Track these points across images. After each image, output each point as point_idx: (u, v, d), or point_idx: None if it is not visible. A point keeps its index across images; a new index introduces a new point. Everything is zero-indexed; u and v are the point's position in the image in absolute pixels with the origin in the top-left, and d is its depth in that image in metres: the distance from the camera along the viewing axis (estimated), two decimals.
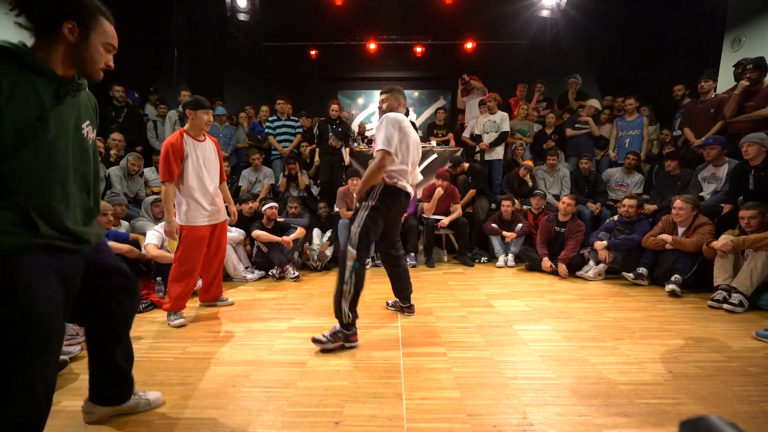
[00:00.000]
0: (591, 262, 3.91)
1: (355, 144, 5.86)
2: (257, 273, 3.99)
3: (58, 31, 1.11)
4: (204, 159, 2.73)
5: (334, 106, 5.75)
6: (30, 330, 1.07)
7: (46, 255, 1.12)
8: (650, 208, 4.06)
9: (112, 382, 1.52)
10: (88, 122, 1.30)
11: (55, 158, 1.15)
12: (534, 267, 4.14)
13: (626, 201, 3.87)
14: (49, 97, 1.12)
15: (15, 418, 1.08)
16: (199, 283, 3.10)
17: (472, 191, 4.97)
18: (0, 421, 1.04)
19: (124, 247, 3.10)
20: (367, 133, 6.49)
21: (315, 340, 2.21)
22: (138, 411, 1.59)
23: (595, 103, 5.57)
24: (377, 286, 3.61)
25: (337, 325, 2.24)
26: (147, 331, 2.54)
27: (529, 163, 5.25)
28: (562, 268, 3.83)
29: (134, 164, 4.42)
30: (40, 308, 1.08)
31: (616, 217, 4.06)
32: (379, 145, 2.31)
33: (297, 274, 3.90)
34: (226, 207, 2.98)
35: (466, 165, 5.05)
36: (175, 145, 2.59)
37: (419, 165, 5.56)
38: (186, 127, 2.70)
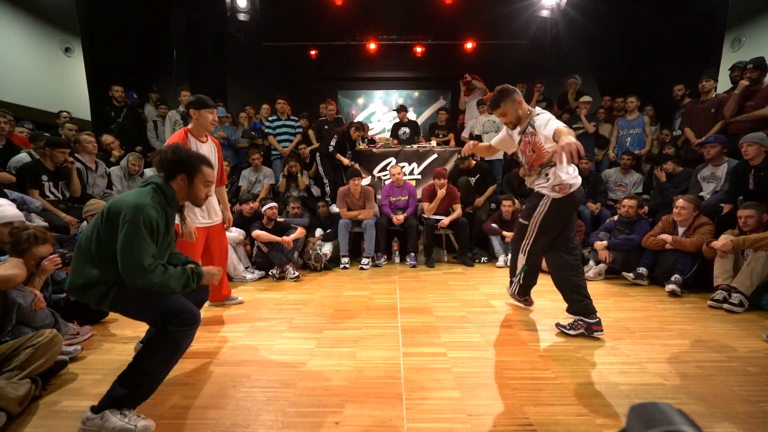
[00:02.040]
0: (591, 262, 3.91)
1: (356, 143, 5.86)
2: (257, 273, 3.99)
3: (176, 178, 1.71)
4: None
5: (331, 107, 5.78)
6: None
7: None
8: (645, 210, 4.10)
9: None
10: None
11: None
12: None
13: (626, 201, 3.87)
14: (173, 218, 1.78)
15: None
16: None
17: (493, 186, 5.07)
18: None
19: None
20: (369, 133, 6.50)
21: (559, 326, 2.46)
22: None
23: (585, 98, 5.56)
24: (377, 286, 3.61)
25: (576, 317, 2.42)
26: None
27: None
28: None
29: (135, 164, 4.43)
30: None
31: (616, 217, 4.06)
32: (555, 127, 2.12)
33: (297, 274, 3.89)
34: (222, 212, 2.97)
35: (473, 162, 5.05)
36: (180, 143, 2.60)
37: (419, 165, 5.62)
38: (190, 126, 2.69)
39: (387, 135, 7.08)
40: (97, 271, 1.54)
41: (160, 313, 1.55)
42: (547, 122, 2.20)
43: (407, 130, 6.16)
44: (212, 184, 1.85)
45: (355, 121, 5.48)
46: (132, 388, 1.48)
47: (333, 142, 5.02)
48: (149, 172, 4.84)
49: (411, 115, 9.32)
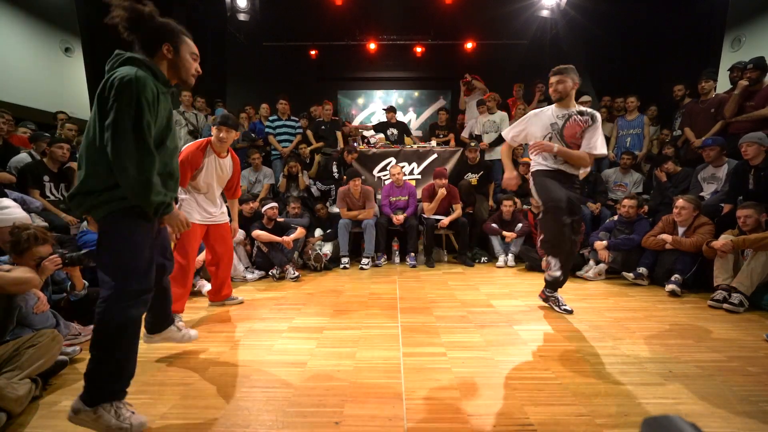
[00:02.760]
0: (591, 262, 3.91)
1: (356, 144, 5.87)
2: (257, 273, 3.99)
3: (160, 50, 1.48)
4: (217, 175, 2.76)
5: (327, 107, 5.80)
6: None
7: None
8: (645, 210, 4.10)
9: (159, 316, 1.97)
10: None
11: (172, 162, 1.59)
12: (534, 267, 4.13)
13: (626, 201, 3.87)
14: (167, 104, 1.51)
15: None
16: (208, 285, 3.15)
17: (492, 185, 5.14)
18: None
19: None
20: (366, 133, 6.50)
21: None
22: (176, 339, 2.07)
23: (585, 98, 5.56)
24: (377, 286, 3.61)
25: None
26: None
27: (527, 160, 5.24)
28: None
29: None
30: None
31: (616, 217, 4.06)
32: (602, 149, 2.53)
33: (297, 274, 3.90)
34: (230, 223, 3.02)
35: (477, 157, 5.06)
36: (195, 156, 2.60)
37: (419, 165, 5.61)
38: (212, 138, 2.74)
39: (373, 133, 7.04)
40: (95, 170, 1.36)
41: (127, 268, 1.43)
42: (599, 132, 2.52)
43: (395, 131, 6.09)
44: (198, 58, 1.64)
45: (347, 144, 5.60)
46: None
47: (335, 168, 5.15)
48: None
49: (411, 115, 9.35)
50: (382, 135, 5.99)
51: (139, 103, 1.32)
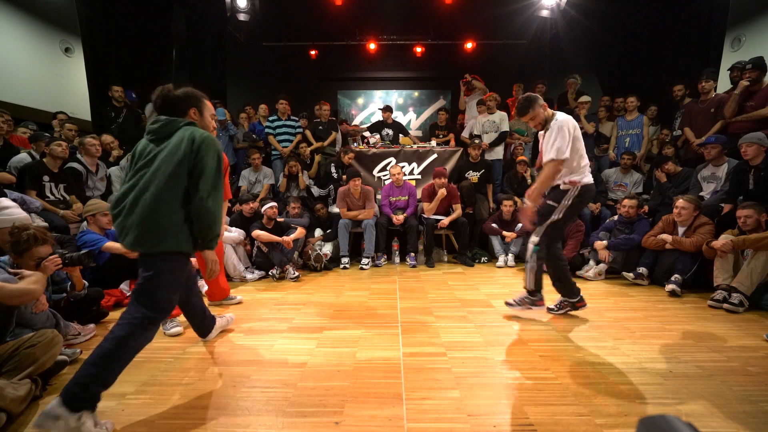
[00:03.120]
0: (591, 262, 3.91)
1: (355, 144, 5.87)
2: (257, 273, 3.99)
3: (188, 114, 1.79)
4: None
5: (325, 107, 5.80)
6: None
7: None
8: (645, 210, 4.10)
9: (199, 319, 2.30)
10: None
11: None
12: None
13: (626, 201, 3.87)
14: None
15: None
16: (206, 285, 3.14)
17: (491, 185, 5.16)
18: None
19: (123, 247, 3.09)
20: (366, 133, 6.49)
21: (507, 303, 2.80)
22: (223, 326, 2.50)
23: (584, 98, 5.56)
24: (377, 286, 3.61)
25: (525, 293, 2.74)
26: None
27: (524, 158, 5.24)
28: None
29: None
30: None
31: (616, 217, 4.06)
32: (552, 154, 2.39)
33: (297, 274, 3.89)
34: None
35: (479, 155, 5.06)
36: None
37: (419, 165, 5.62)
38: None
39: (368, 133, 7.03)
40: (176, 215, 1.61)
41: (167, 298, 1.64)
42: (554, 136, 2.40)
43: (390, 131, 6.07)
44: (216, 117, 2.06)
45: (346, 145, 5.64)
46: (104, 381, 1.46)
47: (333, 170, 5.18)
48: None
49: (411, 115, 9.35)
50: (378, 135, 5.98)
51: (219, 153, 1.68)
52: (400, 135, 6.08)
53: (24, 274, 1.89)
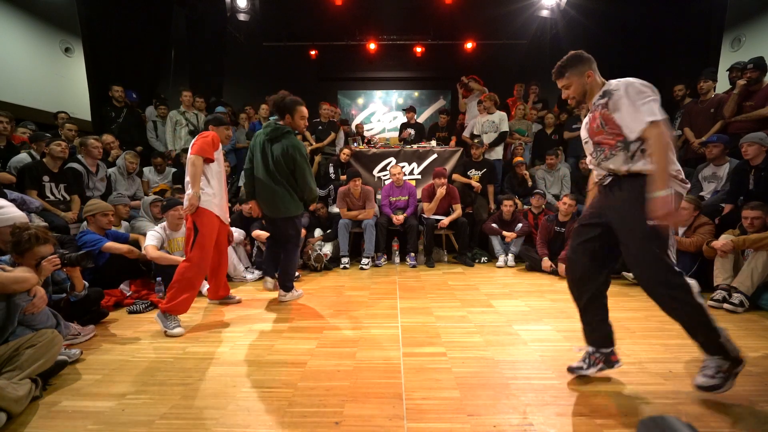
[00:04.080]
0: None
1: (355, 144, 5.88)
2: (257, 273, 3.99)
3: (286, 116, 2.99)
4: (220, 168, 2.83)
5: (324, 107, 5.81)
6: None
7: None
8: None
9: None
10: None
11: None
12: (534, 267, 4.14)
13: None
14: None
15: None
16: (207, 284, 3.15)
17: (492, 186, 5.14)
18: None
19: (123, 247, 3.09)
20: (366, 133, 6.53)
21: (570, 369, 1.87)
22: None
23: None
24: (377, 286, 3.62)
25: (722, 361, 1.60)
26: (147, 331, 2.54)
27: (520, 158, 5.22)
28: (562, 268, 3.83)
29: (132, 162, 4.41)
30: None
31: None
32: (645, 117, 1.55)
33: (297, 274, 3.88)
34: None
35: (480, 154, 5.06)
36: (215, 140, 2.73)
37: (419, 165, 5.61)
38: (218, 135, 2.83)
39: (387, 135, 7.09)
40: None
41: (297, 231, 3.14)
42: (628, 98, 1.62)
43: (412, 132, 6.15)
44: (306, 118, 3.10)
45: (346, 145, 5.75)
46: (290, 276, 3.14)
47: (331, 169, 5.28)
48: (147, 171, 4.85)
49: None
50: (382, 135, 6.03)
51: (307, 154, 2.98)
52: (421, 137, 6.20)
53: (16, 266, 1.90)
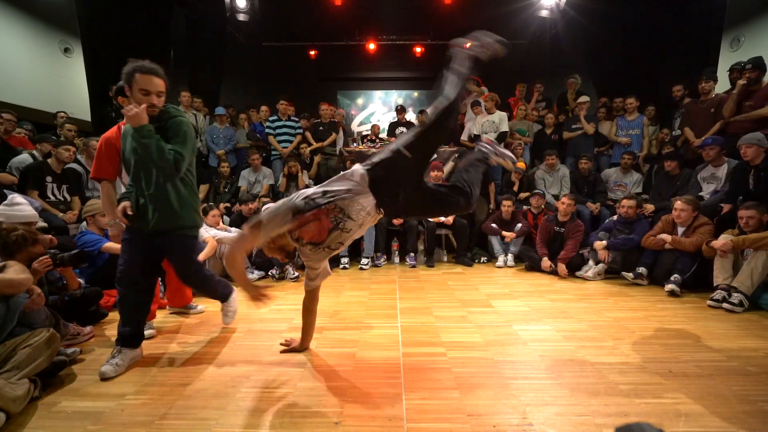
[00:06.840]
0: (591, 262, 3.91)
1: (355, 144, 5.88)
2: (257, 273, 3.99)
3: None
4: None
5: (324, 107, 5.82)
6: None
7: None
8: (649, 208, 4.07)
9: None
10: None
11: None
12: (534, 267, 4.14)
13: (625, 202, 3.87)
14: None
15: None
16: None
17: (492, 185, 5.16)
18: None
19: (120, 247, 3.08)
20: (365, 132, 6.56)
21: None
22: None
23: (583, 98, 5.56)
24: (377, 286, 3.62)
25: None
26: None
27: (521, 165, 5.18)
28: (561, 268, 3.83)
29: None
30: None
31: (615, 217, 4.05)
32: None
33: (297, 274, 3.89)
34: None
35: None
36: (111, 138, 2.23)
37: None
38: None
39: (386, 135, 7.08)
40: None
41: None
42: None
43: (404, 129, 6.17)
44: (150, 93, 2.05)
45: (345, 145, 5.85)
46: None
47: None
48: None
49: (410, 116, 9.33)
50: (382, 135, 6.03)
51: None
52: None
53: (8, 264, 1.85)
